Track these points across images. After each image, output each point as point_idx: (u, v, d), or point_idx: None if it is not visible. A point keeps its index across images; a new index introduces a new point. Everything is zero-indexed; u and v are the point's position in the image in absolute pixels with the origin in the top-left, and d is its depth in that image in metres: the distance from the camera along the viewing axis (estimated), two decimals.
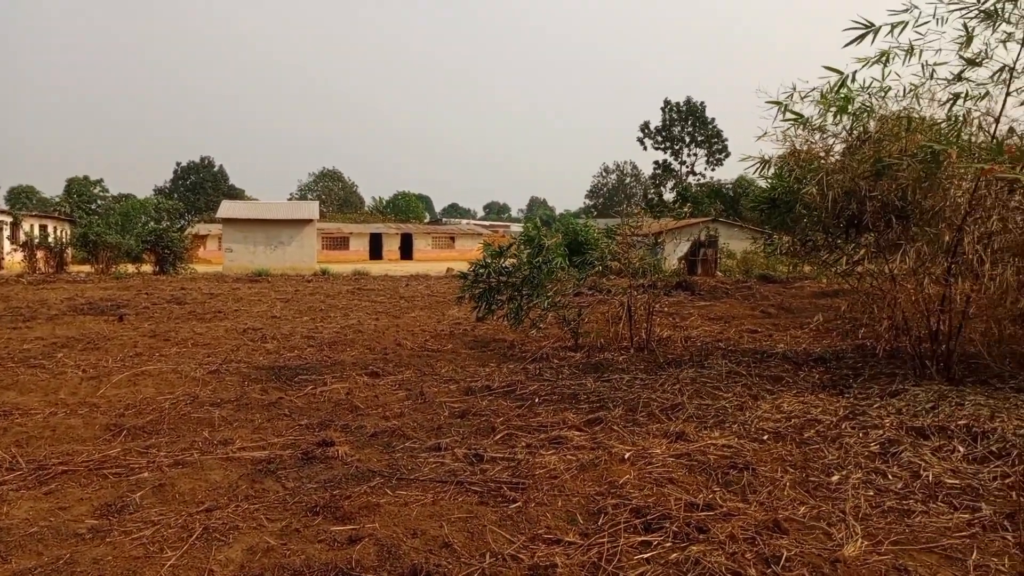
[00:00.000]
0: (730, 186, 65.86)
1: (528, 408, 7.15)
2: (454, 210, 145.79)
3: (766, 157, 9.27)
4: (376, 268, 41.17)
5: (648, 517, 4.31)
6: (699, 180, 76.11)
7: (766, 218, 10.61)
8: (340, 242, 62.21)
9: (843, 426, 6.16)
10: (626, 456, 5.45)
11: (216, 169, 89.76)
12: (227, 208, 41.62)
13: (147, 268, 33.75)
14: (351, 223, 70.16)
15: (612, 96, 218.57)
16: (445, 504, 4.61)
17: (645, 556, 3.82)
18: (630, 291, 10.85)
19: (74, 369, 9.23)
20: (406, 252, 64.91)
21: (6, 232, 37.28)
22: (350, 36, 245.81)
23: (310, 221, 40.25)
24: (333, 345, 11.43)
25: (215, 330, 13.09)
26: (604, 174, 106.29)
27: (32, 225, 40.48)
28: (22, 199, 79.51)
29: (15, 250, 35.84)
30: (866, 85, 8.08)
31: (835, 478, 4.96)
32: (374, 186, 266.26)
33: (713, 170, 77.78)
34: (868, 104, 8.23)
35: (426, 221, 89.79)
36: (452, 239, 68.11)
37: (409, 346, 11.33)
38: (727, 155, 77.58)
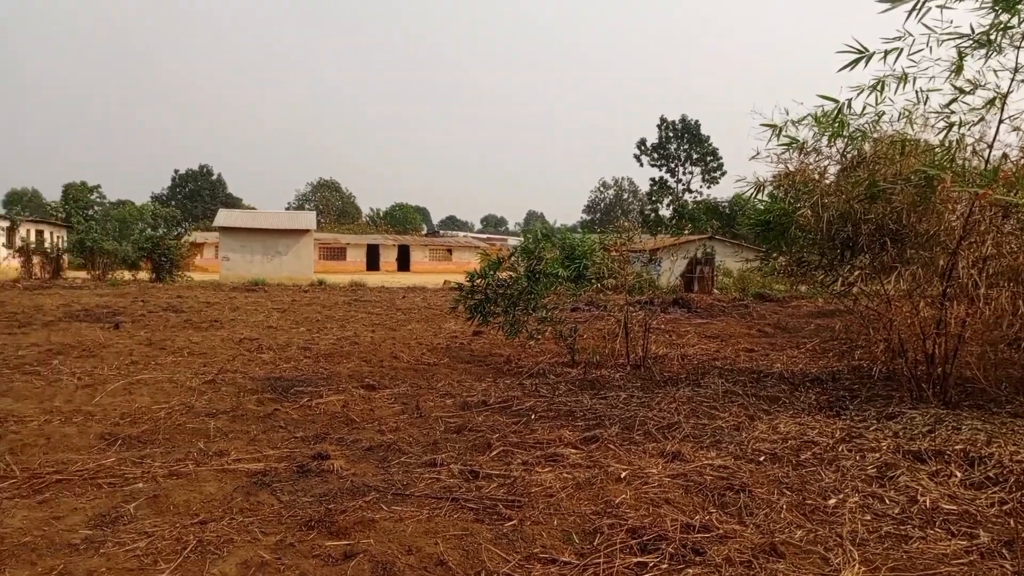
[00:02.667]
0: (726, 204, 66.18)
1: (524, 424, 7.14)
2: (452, 222, 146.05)
3: (760, 178, 9.34)
4: (373, 279, 41.17)
5: (644, 538, 4.30)
6: (695, 197, 76.45)
7: (761, 239, 10.64)
8: (337, 253, 62.23)
9: (840, 448, 6.16)
10: (622, 475, 5.44)
11: (214, 177, 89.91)
12: (225, 217, 41.62)
13: (144, 275, 33.68)
14: (348, 233, 70.23)
15: (611, 111, 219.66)
16: (440, 521, 4.59)
17: None
18: (627, 308, 10.88)
19: (69, 376, 9.20)
20: (403, 264, 64.97)
21: (2, 237, 37.18)
22: (350, 46, 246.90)
23: (307, 231, 40.29)
24: (329, 357, 11.41)
25: (211, 339, 13.06)
26: (602, 189, 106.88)
27: (29, 230, 40.44)
28: (22, 202, 79.45)
29: (11, 255, 35.75)
30: (860, 110, 8.14)
31: (832, 501, 4.96)
32: (372, 197, 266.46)
33: (709, 187, 78.15)
34: (863, 128, 8.30)
35: (423, 233, 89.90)
36: (449, 251, 68.21)
37: (405, 359, 11.32)
38: (723, 173, 77.96)
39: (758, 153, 8.80)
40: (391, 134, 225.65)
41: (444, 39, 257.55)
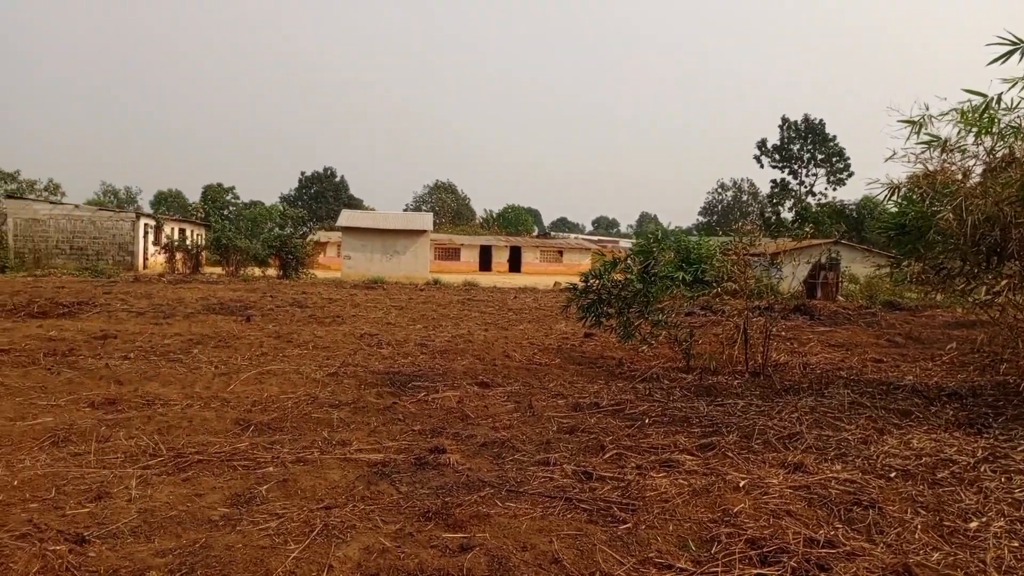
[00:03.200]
0: (854, 207, 62.81)
1: (638, 428, 7.05)
2: (563, 224, 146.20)
3: (895, 181, 8.80)
4: (485, 279, 41.81)
5: (764, 549, 4.15)
6: (819, 200, 73.05)
7: (895, 243, 10.02)
8: (452, 253, 63.64)
9: (981, 468, 5.72)
10: (741, 484, 5.28)
11: (338, 179, 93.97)
12: (347, 217, 43.45)
13: (272, 272, 35.70)
14: (463, 235, 71.68)
15: (728, 110, 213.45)
16: (554, 520, 4.61)
17: None
18: (746, 313, 10.51)
19: (207, 365, 9.87)
20: (515, 265, 65.62)
21: (150, 235, 40.39)
22: (465, 53, 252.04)
23: (424, 232, 41.44)
24: (444, 353, 11.69)
25: (334, 334, 13.66)
26: (720, 191, 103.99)
27: (173, 228, 43.65)
28: (167, 203, 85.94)
29: (158, 252, 38.79)
30: (1012, 105, 7.52)
31: (973, 524, 4.61)
32: (485, 199, 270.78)
33: (835, 190, 74.51)
34: (1016, 124, 7.66)
35: (535, 234, 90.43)
36: (560, 253, 68.30)
37: (517, 358, 11.43)
38: (850, 174, 74.08)
39: (894, 153, 8.31)
40: (506, 137, 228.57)
41: (555, 44, 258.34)
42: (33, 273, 30.50)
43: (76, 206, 39.40)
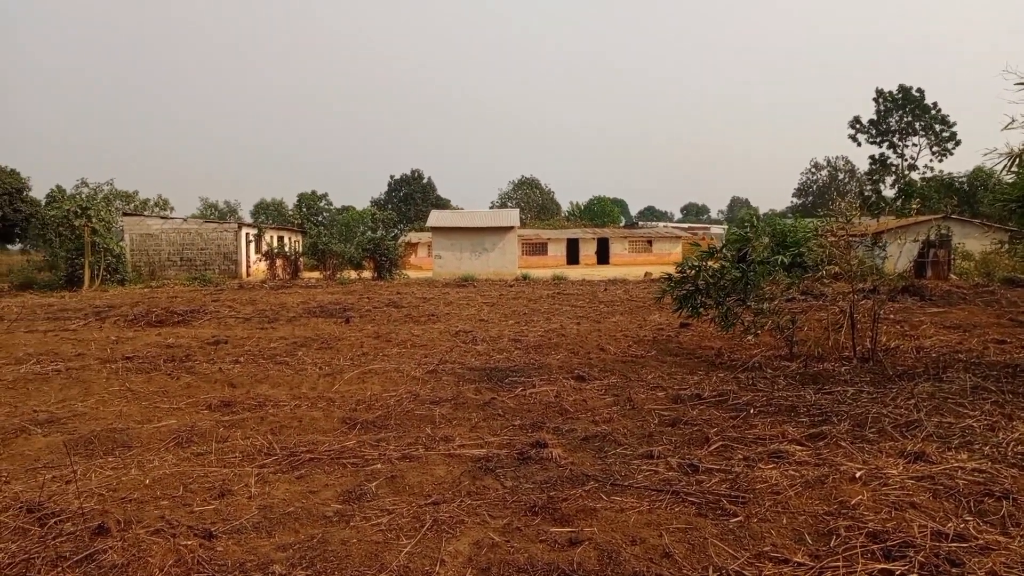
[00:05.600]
0: (964, 179, 59.05)
1: (742, 419, 6.85)
2: (650, 213, 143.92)
3: (1014, 149, 8.19)
4: (574, 273, 41.68)
5: (887, 543, 3.96)
6: (923, 174, 68.97)
7: (1015, 217, 9.35)
8: (539, 248, 63.69)
9: None
10: (857, 475, 5.05)
11: (425, 181, 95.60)
12: (436, 218, 44.19)
13: (367, 274, 36.71)
14: (549, 229, 71.61)
15: (821, 85, 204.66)
16: (662, 513, 4.54)
17: None
18: (853, 296, 10.04)
19: (312, 366, 10.24)
20: (603, 257, 65.06)
21: (252, 243, 42.28)
22: (541, 48, 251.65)
23: (511, 228, 41.64)
24: (539, 348, 11.71)
25: (430, 332, 13.92)
26: (814, 171, 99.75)
27: (272, 236, 45.54)
28: (267, 211, 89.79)
29: (259, 259, 40.57)
30: None
31: None
32: (571, 191, 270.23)
33: (940, 161, 70.02)
34: None
35: (622, 225, 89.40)
36: (649, 243, 67.24)
37: (612, 351, 11.32)
38: (957, 144, 69.43)
39: (1012, 121, 7.73)
40: (585, 129, 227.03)
41: (630, 32, 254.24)
42: (149, 284, 32.50)
43: (184, 219, 41.66)
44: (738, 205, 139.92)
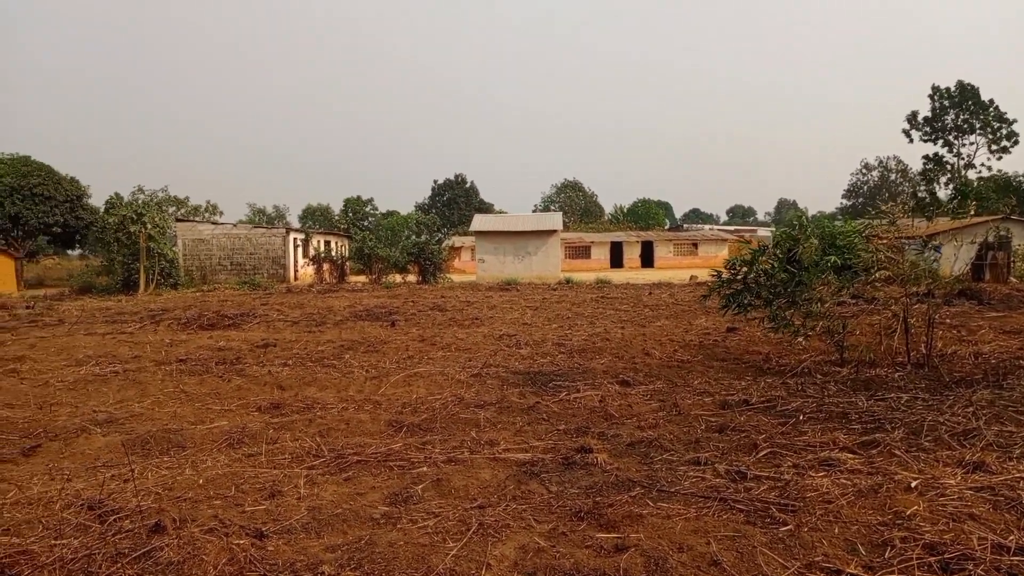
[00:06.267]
0: None
1: (792, 426, 6.73)
2: (695, 215, 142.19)
3: None
4: (617, 276, 41.44)
5: (945, 555, 3.84)
6: (980, 173, 66.81)
7: None
8: (582, 251, 63.49)
9: None
10: (912, 485, 4.91)
11: (468, 185, 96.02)
12: (479, 222, 44.39)
13: (411, 278, 37.08)
14: (592, 232, 71.30)
15: (870, 83, 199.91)
16: (709, 520, 4.48)
17: None
18: (906, 300, 9.78)
19: (359, 369, 10.38)
20: (647, 260, 64.54)
21: (300, 248, 43.08)
22: (583, 57, 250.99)
23: (554, 232, 41.60)
24: (583, 352, 11.68)
25: (474, 336, 13.99)
26: (864, 171, 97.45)
27: (319, 241, 46.33)
28: (314, 217, 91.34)
29: (306, 263, 41.33)
30: None
31: None
32: (614, 194, 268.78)
33: (999, 159, 67.74)
34: None
35: (666, 228, 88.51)
36: (695, 245, 66.47)
37: (658, 356, 11.22)
38: (1015, 142, 67.08)
39: None
40: (629, 128, 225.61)
41: (675, 27, 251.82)
42: (200, 288, 33.35)
43: (234, 225, 42.68)
44: (785, 207, 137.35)
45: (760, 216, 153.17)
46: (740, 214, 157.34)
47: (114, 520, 4.55)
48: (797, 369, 9.56)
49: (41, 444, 6.62)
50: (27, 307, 22.67)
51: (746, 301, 10.66)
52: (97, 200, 54.51)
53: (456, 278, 40.65)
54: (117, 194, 54.17)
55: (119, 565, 3.89)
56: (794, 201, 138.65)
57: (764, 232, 75.59)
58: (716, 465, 5.57)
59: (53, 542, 4.25)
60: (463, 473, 5.56)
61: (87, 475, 5.68)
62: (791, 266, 10.26)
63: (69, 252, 70.36)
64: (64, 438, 6.81)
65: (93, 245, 53.25)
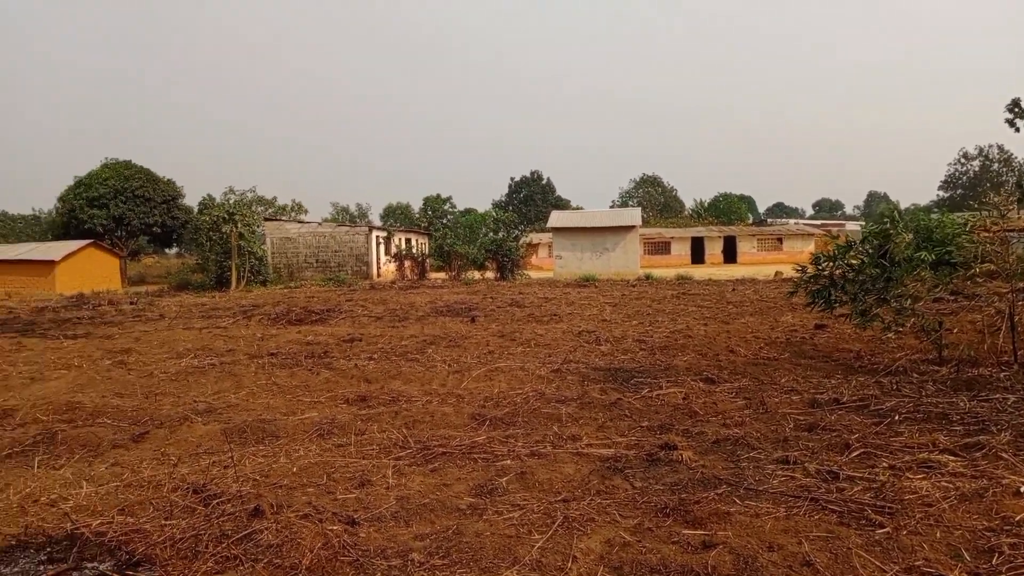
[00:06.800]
0: None
1: (887, 426, 6.47)
2: (779, 209, 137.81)
3: None
4: (699, 272, 40.69)
5: None
6: None
7: None
8: (661, 247, 62.61)
9: None
10: (1021, 489, 4.66)
11: (544, 182, 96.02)
12: (556, 218, 44.38)
13: (489, 274, 37.46)
14: (672, 227, 70.22)
15: (968, 68, 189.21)
16: (800, 520, 4.37)
17: None
18: (1011, 296, 9.24)
19: (441, 363, 10.57)
20: (729, 255, 63.09)
21: (382, 246, 44.11)
22: (658, 49, 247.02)
23: (632, 227, 41.18)
24: (664, 349, 11.53)
25: (552, 332, 14.02)
26: (963, 161, 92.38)
27: (400, 239, 47.31)
28: (395, 215, 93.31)
29: (388, 261, 42.30)
30: None
31: None
32: (694, 188, 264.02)
33: None
34: None
35: (749, 222, 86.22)
36: (779, 240, 64.53)
37: (743, 353, 10.97)
38: None
39: None
40: (711, 120, 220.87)
41: (762, 18, 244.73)
42: (287, 285, 34.61)
43: (319, 223, 44.04)
44: (876, 200, 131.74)
45: (849, 210, 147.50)
46: (827, 208, 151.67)
47: (217, 504, 4.79)
48: (891, 368, 9.17)
49: (148, 431, 7.02)
50: (131, 303, 24.09)
51: (832, 297, 10.30)
52: (191, 200, 57.32)
53: (533, 275, 40.79)
54: (210, 195, 56.87)
55: (224, 545, 4.10)
56: (885, 194, 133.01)
57: (852, 226, 72.75)
58: (806, 464, 5.42)
59: (163, 522, 4.52)
60: (546, 467, 5.59)
61: (191, 461, 6.00)
62: (882, 260, 9.87)
63: (167, 251, 74.24)
64: (169, 426, 7.21)
65: (188, 244, 56.01)
